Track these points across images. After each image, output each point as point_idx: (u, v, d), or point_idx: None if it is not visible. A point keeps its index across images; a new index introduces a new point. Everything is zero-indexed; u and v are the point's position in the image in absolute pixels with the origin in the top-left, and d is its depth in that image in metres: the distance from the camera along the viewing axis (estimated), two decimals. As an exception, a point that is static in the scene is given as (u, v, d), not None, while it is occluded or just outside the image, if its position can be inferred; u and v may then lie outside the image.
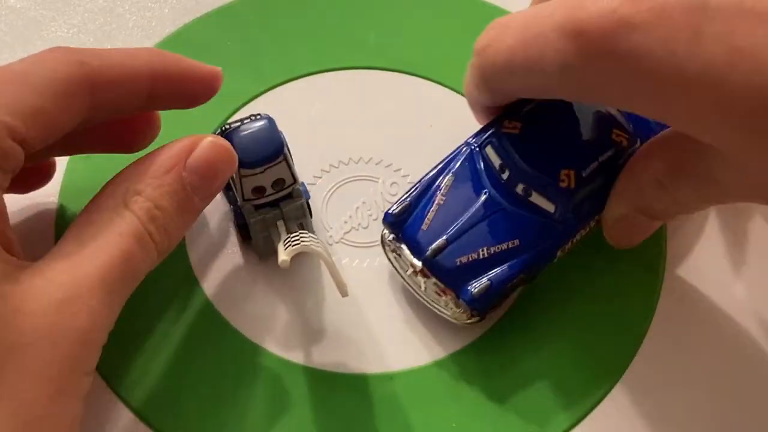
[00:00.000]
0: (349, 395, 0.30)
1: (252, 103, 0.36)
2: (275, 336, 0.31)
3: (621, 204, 0.30)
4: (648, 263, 0.33)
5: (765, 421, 0.30)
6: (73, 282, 0.23)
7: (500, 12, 0.39)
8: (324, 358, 0.31)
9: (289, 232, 0.30)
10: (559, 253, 0.31)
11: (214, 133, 0.30)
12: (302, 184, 0.31)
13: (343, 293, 0.29)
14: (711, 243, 0.34)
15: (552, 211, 0.30)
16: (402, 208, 0.31)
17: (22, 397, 0.22)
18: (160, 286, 0.32)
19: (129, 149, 0.31)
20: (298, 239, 0.28)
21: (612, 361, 0.31)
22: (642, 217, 0.30)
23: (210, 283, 0.32)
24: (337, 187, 0.35)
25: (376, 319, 0.32)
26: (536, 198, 0.30)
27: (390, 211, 0.31)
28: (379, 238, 0.32)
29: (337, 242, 0.34)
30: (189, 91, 0.28)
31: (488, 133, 0.31)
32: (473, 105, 0.32)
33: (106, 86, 0.26)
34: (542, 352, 0.31)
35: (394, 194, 0.34)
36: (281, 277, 0.32)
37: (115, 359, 0.30)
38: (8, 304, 0.22)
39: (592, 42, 0.23)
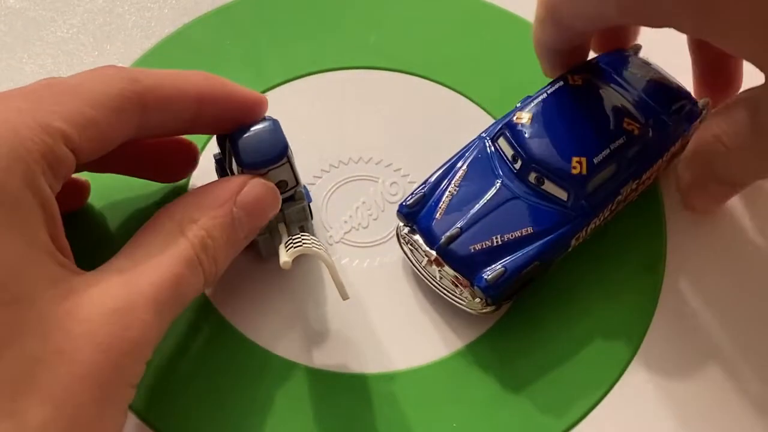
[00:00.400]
0: (350, 395, 0.30)
1: (252, 103, 0.36)
2: (276, 336, 0.31)
3: (688, 168, 0.31)
4: (648, 263, 0.33)
5: (765, 421, 0.30)
6: (127, 295, 0.24)
7: (500, 12, 0.39)
8: (325, 358, 0.31)
9: (290, 234, 0.30)
10: (573, 242, 0.31)
11: (218, 136, 0.30)
12: (304, 186, 0.31)
13: (344, 296, 0.29)
14: (711, 243, 0.34)
15: (565, 198, 0.30)
16: (416, 199, 0.31)
17: (72, 400, 0.22)
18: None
19: (166, 179, 0.33)
20: (299, 241, 0.28)
21: (612, 360, 0.31)
22: (713, 184, 0.31)
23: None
24: (337, 187, 0.35)
25: (376, 318, 0.32)
26: (549, 186, 0.30)
27: (404, 203, 0.31)
28: (394, 231, 0.32)
29: (337, 242, 0.34)
30: (233, 114, 0.29)
31: (500, 125, 0.31)
32: (541, 50, 0.32)
33: (157, 104, 0.27)
34: (541, 352, 0.31)
35: (394, 194, 0.34)
36: (282, 277, 0.32)
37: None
38: (62, 307, 0.23)
39: None
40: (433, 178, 0.31)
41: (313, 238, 0.29)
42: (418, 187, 0.31)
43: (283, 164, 0.29)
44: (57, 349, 0.22)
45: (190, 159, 0.32)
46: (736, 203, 0.35)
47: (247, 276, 0.32)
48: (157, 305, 0.24)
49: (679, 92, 0.33)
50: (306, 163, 0.35)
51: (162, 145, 0.32)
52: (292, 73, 0.37)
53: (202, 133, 0.32)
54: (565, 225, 0.30)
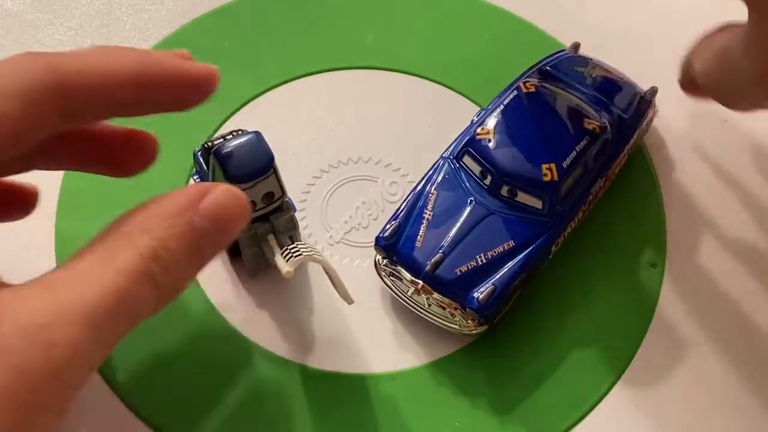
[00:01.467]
0: (352, 395, 0.30)
1: (251, 104, 0.36)
2: (276, 336, 0.31)
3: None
4: (648, 263, 0.33)
5: (765, 420, 0.30)
6: (54, 310, 0.21)
7: (500, 12, 0.39)
8: (325, 358, 0.31)
9: (280, 245, 0.30)
10: (553, 248, 0.31)
11: (196, 152, 0.30)
12: (288, 197, 0.31)
13: (349, 301, 0.29)
14: (711, 242, 0.34)
15: (540, 207, 0.30)
16: (392, 230, 0.31)
17: None
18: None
19: (121, 171, 0.30)
20: (298, 249, 0.28)
21: (612, 360, 0.31)
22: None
23: (210, 284, 0.32)
24: (337, 187, 0.35)
25: (377, 318, 0.32)
26: (522, 197, 0.30)
27: (381, 235, 0.31)
28: (373, 264, 0.32)
29: (337, 242, 0.33)
30: (181, 93, 0.26)
31: (462, 143, 0.31)
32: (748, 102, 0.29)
33: (81, 91, 0.24)
34: (543, 351, 0.31)
35: (393, 194, 0.34)
36: (282, 279, 0.32)
37: (116, 361, 0.30)
38: None
39: None
40: (404, 207, 0.31)
41: (310, 245, 0.29)
42: (392, 218, 0.31)
43: (270, 176, 0.29)
44: None
45: (147, 150, 0.29)
46: (736, 202, 0.35)
47: (247, 279, 0.32)
48: (92, 321, 0.21)
49: (626, 84, 0.34)
50: (306, 163, 0.35)
51: (111, 135, 0.29)
52: (291, 73, 0.37)
53: (151, 113, 0.27)
54: (545, 233, 0.30)
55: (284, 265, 0.28)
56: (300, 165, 0.35)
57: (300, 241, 0.30)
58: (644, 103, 0.34)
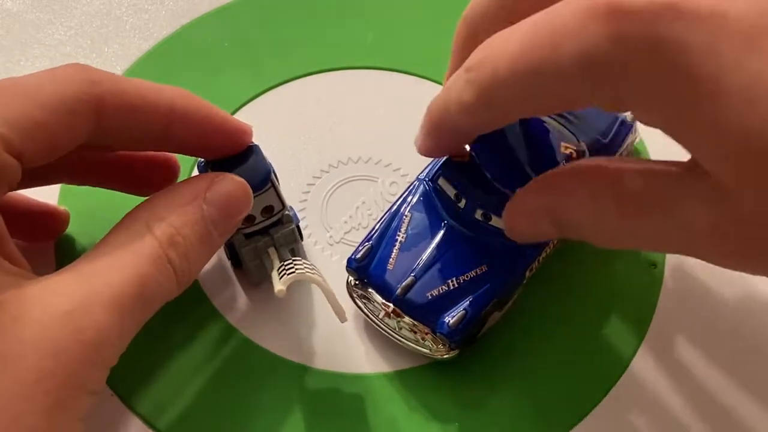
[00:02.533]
0: (350, 395, 0.30)
1: (251, 104, 0.36)
2: (275, 336, 0.31)
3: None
4: (647, 264, 0.33)
5: (765, 420, 0.30)
6: (82, 296, 0.22)
7: (498, 11, 0.39)
8: (325, 358, 0.31)
9: (280, 258, 0.30)
10: (527, 273, 0.30)
11: (199, 162, 0.30)
12: (291, 208, 0.31)
13: (342, 319, 0.29)
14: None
15: None
16: (364, 252, 0.30)
17: (16, 408, 0.21)
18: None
19: (141, 191, 0.31)
20: (292, 266, 0.28)
21: (612, 360, 0.31)
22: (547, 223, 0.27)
23: (211, 284, 0.32)
24: (337, 187, 0.35)
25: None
26: (496, 221, 0.29)
27: (353, 257, 0.30)
28: (345, 285, 0.31)
29: (337, 242, 0.33)
30: (211, 138, 0.28)
31: (438, 165, 0.31)
32: (442, 130, 0.27)
33: (116, 111, 0.25)
34: (543, 351, 0.31)
35: (393, 194, 0.34)
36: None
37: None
38: (6, 312, 0.22)
39: (630, 22, 0.20)
40: (378, 228, 0.31)
41: (306, 262, 0.29)
42: (364, 240, 0.31)
43: (268, 190, 0.28)
44: (1, 355, 0.21)
45: (169, 175, 0.31)
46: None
47: (247, 277, 0.32)
48: (118, 306, 0.22)
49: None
50: (306, 163, 0.35)
51: (138, 157, 0.30)
52: (291, 73, 0.37)
53: (177, 153, 0.30)
54: (518, 258, 0.30)
55: (277, 284, 0.27)
56: (300, 165, 0.35)
57: (303, 254, 0.30)
58: (625, 127, 0.33)
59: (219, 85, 0.37)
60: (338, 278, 0.31)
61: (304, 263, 0.28)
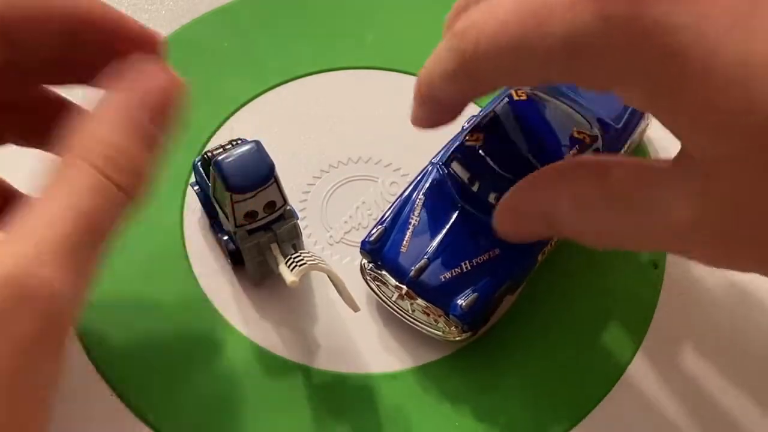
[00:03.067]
0: (352, 395, 0.30)
1: (251, 104, 0.36)
2: (276, 336, 0.31)
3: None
4: (648, 263, 0.33)
5: (764, 423, 0.30)
6: (23, 254, 0.20)
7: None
8: (325, 357, 0.31)
9: (283, 254, 0.30)
10: (540, 257, 0.31)
11: (195, 162, 0.30)
12: (290, 205, 0.31)
13: (355, 309, 0.29)
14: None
15: None
16: (378, 235, 0.30)
17: None
18: (160, 286, 0.32)
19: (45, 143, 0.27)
20: (301, 258, 0.28)
21: (612, 360, 0.31)
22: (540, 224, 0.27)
23: (210, 284, 0.32)
24: (337, 187, 0.35)
25: (378, 317, 0.32)
26: None
27: (366, 240, 0.30)
28: (358, 268, 0.31)
29: (337, 242, 0.33)
30: (113, 41, 0.25)
31: (452, 149, 0.31)
32: (428, 99, 0.27)
33: (19, 22, 0.23)
34: (544, 351, 0.31)
35: (393, 194, 0.34)
36: (283, 282, 0.32)
37: (116, 361, 0.30)
38: None
39: (616, 2, 0.20)
40: (391, 212, 0.31)
41: (314, 254, 0.29)
42: (377, 223, 0.31)
43: (271, 185, 0.28)
44: None
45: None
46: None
47: (246, 277, 0.32)
48: (65, 254, 0.20)
49: None
50: (306, 163, 0.35)
51: (50, 103, 0.28)
52: (292, 73, 0.37)
53: (75, 81, 0.26)
54: (531, 242, 0.30)
55: (289, 275, 0.27)
56: (300, 165, 0.35)
57: (303, 249, 0.30)
58: (637, 114, 0.33)
59: (219, 85, 0.37)
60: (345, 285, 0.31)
61: (313, 255, 0.28)
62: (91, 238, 0.21)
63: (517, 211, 0.27)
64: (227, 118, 0.36)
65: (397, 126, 0.36)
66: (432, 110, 0.28)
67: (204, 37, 0.39)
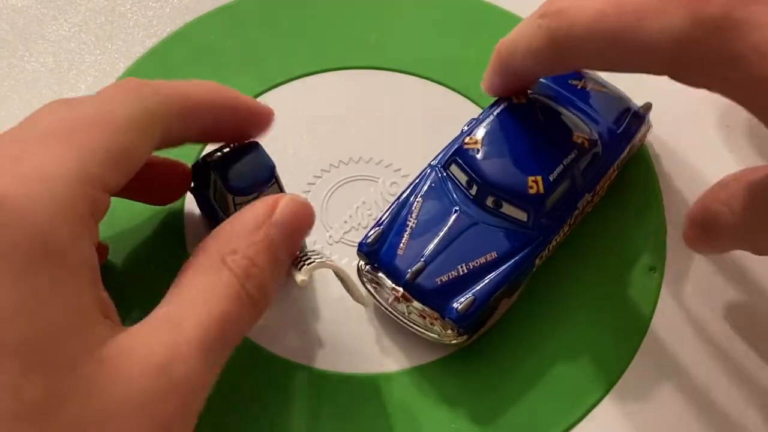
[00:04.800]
0: (350, 395, 0.30)
1: (252, 103, 0.37)
2: (276, 336, 0.31)
3: (693, 213, 0.29)
4: (648, 263, 0.33)
5: (763, 426, 0.30)
6: (173, 347, 0.22)
7: (500, 12, 0.39)
8: (324, 357, 0.31)
9: None
10: (537, 261, 0.31)
11: (194, 165, 0.30)
12: None
13: (365, 304, 0.29)
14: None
15: (525, 219, 0.30)
16: (375, 236, 0.30)
17: None
18: (160, 285, 0.32)
19: (158, 201, 0.32)
20: (308, 257, 0.28)
21: (612, 361, 0.31)
22: (715, 239, 0.29)
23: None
24: (337, 187, 0.35)
25: (376, 318, 0.32)
26: (507, 208, 0.30)
27: (364, 241, 0.31)
28: (355, 269, 0.31)
29: (337, 242, 0.34)
30: (244, 124, 0.29)
31: (450, 152, 0.31)
32: (507, 68, 0.30)
33: (178, 118, 0.26)
34: (542, 352, 0.31)
35: (393, 194, 0.34)
36: (282, 282, 0.32)
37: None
38: (106, 368, 0.21)
39: (708, 5, 0.22)
40: (389, 214, 0.31)
41: (318, 252, 0.29)
42: (375, 225, 0.31)
43: (272, 186, 0.29)
44: (99, 414, 0.21)
45: (183, 180, 0.31)
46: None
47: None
48: (206, 349, 0.23)
49: (620, 99, 0.33)
50: (306, 163, 0.35)
51: (153, 165, 0.30)
52: (293, 72, 0.37)
53: (214, 142, 0.30)
54: (528, 245, 0.30)
55: (298, 275, 0.27)
56: (300, 164, 0.35)
57: (306, 247, 0.30)
58: (637, 118, 0.33)
59: (221, 83, 0.37)
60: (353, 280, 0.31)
61: (319, 252, 0.28)
62: (225, 341, 0.24)
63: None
64: (229, 116, 0.36)
65: (398, 126, 0.36)
66: (508, 80, 0.30)
67: (206, 35, 0.39)
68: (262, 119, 0.29)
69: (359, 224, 0.34)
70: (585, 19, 0.25)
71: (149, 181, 0.30)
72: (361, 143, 0.36)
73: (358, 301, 0.29)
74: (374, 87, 0.37)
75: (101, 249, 0.31)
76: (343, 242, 0.34)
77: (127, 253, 0.32)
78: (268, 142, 0.29)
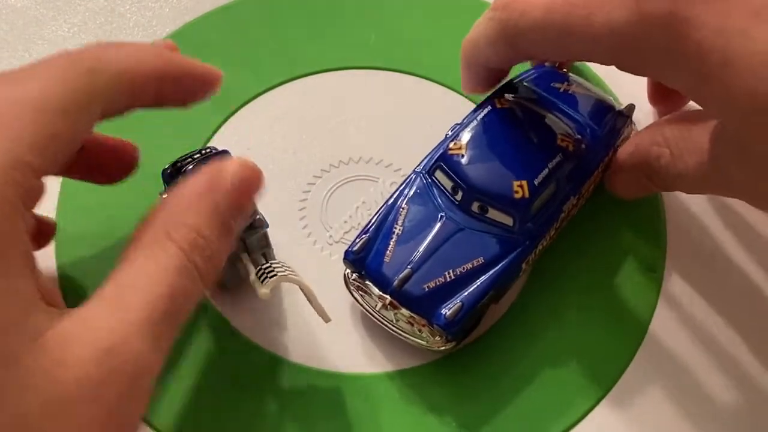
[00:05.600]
0: (349, 395, 0.30)
1: (253, 102, 0.37)
2: (275, 336, 0.31)
3: (629, 157, 0.31)
4: (648, 263, 0.33)
5: (765, 420, 0.30)
6: (118, 328, 0.22)
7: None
8: (324, 357, 0.31)
9: (254, 263, 0.29)
10: (524, 266, 0.31)
11: (164, 170, 0.30)
12: (260, 213, 0.30)
13: (326, 319, 0.29)
14: (711, 243, 0.34)
15: (510, 224, 0.30)
16: (361, 244, 0.30)
17: None
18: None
19: (104, 180, 0.31)
20: (271, 269, 0.28)
21: (611, 361, 0.31)
22: (643, 178, 0.31)
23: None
24: (337, 187, 0.35)
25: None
26: (493, 213, 0.30)
27: (350, 249, 0.30)
28: (342, 278, 0.31)
29: (336, 242, 0.34)
30: (190, 90, 0.28)
31: (435, 157, 0.31)
32: (472, 63, 0.31)
33: (119, 94, 0.25)
34: (542, 352, 0.31)
35: (393, 194, 0.35)
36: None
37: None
38: (49, 355, 0.21)
39: (654, 1, 0.24)
40: (374, 221, 0.31)
41: (284, 264, 0.29)
42: (361, 233, 0.31)
43: None
44: (46, 404, 0.21)
45: (130, 159, 0.30)
46: (736, 203, 0.35)
47: (248, 279, 0.32)
48: (153, 329, 0.22)
49: (603, 101, 0.33)
50: (306, 163, 0.35)
51: (99, 145, 0.30)
52: (293, 72, 0.37)
53: (159, 108, 0.28)
54: (515, 250, 0.30)
55: (260, 287, 0.27)
56: (300, 165, 0.35)
57: (273, 258, 0.30)
58: (621, 120, 0.33)
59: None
60: (338, 277, 0.31)
61: (283, 265, 0.28)
62: (173, 317, 0.23)
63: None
64: (229, 116, 0.36)
65: (397, 126, 0.36)
66: (475, 73, 0.31)
67: (206, 35, 0.39)
68: (206, 82, 0.28)
69: (359, 224, 0.34)
70: (535, 13, 0.26)
71: (93, 160, 0.29)
72: (361, 143, 0.36)
73: (320, 316, 0.29)
74: (374, 87, 0.37)
75: (47, 228, 0.31)
76: (343, 242, 0.34)
77: (107, 244, 0.32)
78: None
